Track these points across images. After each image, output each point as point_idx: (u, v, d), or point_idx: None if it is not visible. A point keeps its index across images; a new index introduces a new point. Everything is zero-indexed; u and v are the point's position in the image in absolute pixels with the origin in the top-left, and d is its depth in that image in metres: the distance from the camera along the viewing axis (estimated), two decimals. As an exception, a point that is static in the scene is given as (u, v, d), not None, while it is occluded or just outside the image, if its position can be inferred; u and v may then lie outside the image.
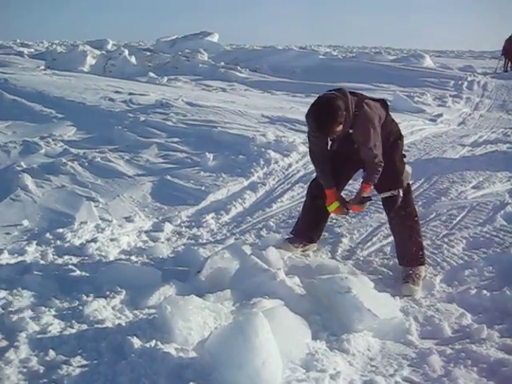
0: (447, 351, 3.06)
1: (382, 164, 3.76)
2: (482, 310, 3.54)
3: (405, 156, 4.11)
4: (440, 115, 11.94)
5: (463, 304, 3.62)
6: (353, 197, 4.08)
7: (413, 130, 9.84)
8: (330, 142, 3.90)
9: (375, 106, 3.81)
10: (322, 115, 3.55)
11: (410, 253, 4.00)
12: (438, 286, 3.91)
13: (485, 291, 3.70)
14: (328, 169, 3.99)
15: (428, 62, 23.82)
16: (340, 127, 3.58)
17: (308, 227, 4.37)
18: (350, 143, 3.79)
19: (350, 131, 3.69)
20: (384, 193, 3.94)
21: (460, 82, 17.90)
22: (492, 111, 13.50)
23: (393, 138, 3.99)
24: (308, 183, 4.53)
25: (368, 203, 3.98)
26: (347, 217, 5.06)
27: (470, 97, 15.47)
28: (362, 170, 4.08)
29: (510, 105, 14.33)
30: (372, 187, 3.90)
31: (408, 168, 4.09)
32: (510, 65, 22.80)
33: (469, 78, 18.61)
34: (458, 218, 5.13)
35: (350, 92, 3.76)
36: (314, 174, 6.47)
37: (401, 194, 3.86)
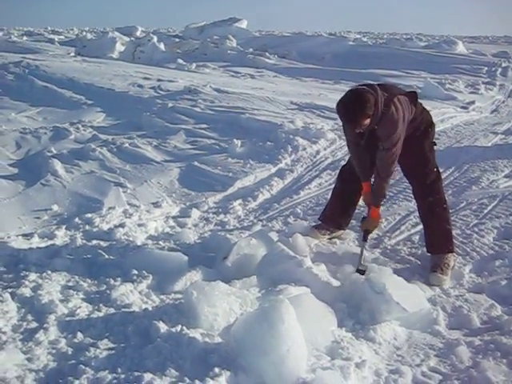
0: (475, 342, 3.01)
1: (390, 178, 3.81)
2: (512, 301, 3.47)
3: (435, 144, 4.04)
4: (472, 102, 11.74)
5: (493, 295, 3.55)
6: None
7: (443, 117, 9.68)
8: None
9: (404, 103, 3.72)
10: (350, 106, 3.52)
11: (438, 240, 3.95)
12: (467, 275, 3.84)
13: (516, 282, 3.63)
14: (363, 161, 3.93)
15: (460, 48, 23.43)
16: (367, 121, 3.54)
17: (337, 213, 4.35)
18: (373, 139, 3.76)
19: (376, 127, 3.65)
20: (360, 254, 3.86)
21: (493, 69, 17.57)
22: (526, 99, 13.22)
23: (424, 126, 3.93)
24: (339, 169, 4.50)
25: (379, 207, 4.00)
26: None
27: (503, 84, 15.18)
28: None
29: (545, 92, 14.01)
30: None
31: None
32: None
33: (503, 65, 18.26)
34: (489, 208, 5.04)
35: (381, 86, 3.72)
36: (344, 161, 6.47)
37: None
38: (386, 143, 3.66)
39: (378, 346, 2.98)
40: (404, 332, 3.13)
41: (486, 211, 4.96)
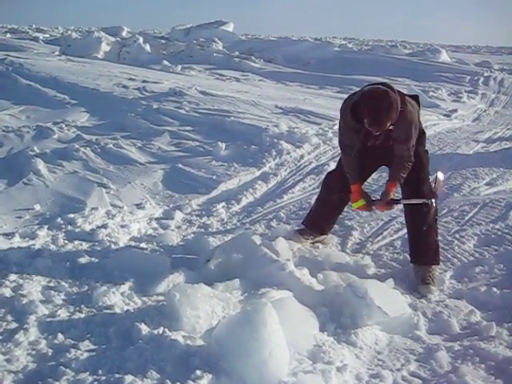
0: (455, 347, 3.04)
1: (411, 164, 3.74)
2: (491, 308, 3.52)
3: (427, 152, 4.03)
4: (454, 110, 11.88)
5: (473, 301, 3.60)
6: (377, 195, 4.01)
7: (426, 124, 9.76)
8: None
9: (415, 105, 3.73)
10: (379, 108, 3.40)
11: (427, 252, 3.90)
12: (447, 282, 3.88)
13: (495, 289, 3.68)
14: (357, 163, 3.89)
15: (444, 56, 23.70)
16: (390, 123, 3.47)
17: (320, 219, 4.33)
18: (386, 139, 3.70)
19: (391, 127, 3.54)
20: (414, 199, 3.83)
21: (476, 78, 17.79)
22: (508, 108, 13.41)
23: (419, 133, 3.88)
24: (324, 174, 4.51)
25: (395, 206, 3.91)
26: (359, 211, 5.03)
27: (485, 93, 15.37)
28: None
29: (527, 102, 14.21)
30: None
31: (440, 175, 3.93)
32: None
33: (485, 74, 18.48)
34: (470, 215, 5.10)
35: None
36: (328, 166, 6.51)
37: (433, 204, 3.78)
38: (409, 143, 3.64)
39: (360, 351, 3.00)
40: (385, 337, 3.16)
41: (467, 218, 5.02)
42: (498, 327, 3.22)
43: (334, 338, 3.06)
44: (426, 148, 4.05)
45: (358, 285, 3.29)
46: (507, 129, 10.07)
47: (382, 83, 3.63)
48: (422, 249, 3.92)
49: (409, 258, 4.05)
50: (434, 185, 3.90)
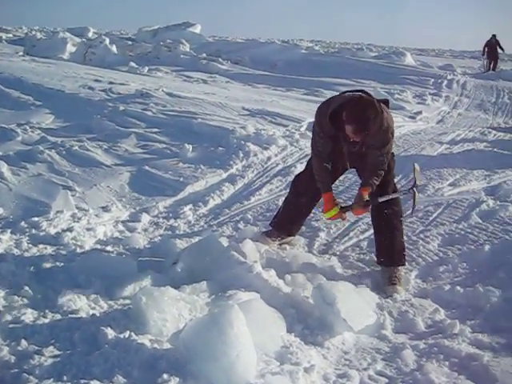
0: (420, 346, 3.10)
1: (384, 172, 3.75)
2: (455, 306, 3.59)
3: (393, 155, 4.01)
4: (419, 113, 12.05)
5: (437, 299, 3.67)
6: (349, 202, 4.00)
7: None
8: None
9: (388, 110, 3.72)
10: (367, 118, 3.41)
11: (392, 253, 3.95)
12: (413, 281, 3.94)
13: (458, 287, 3.75)
14: (329, 172, 3.87)
15: (409, 59, 24.03)
16: None
17: (288, 221, 4.33)
18: (361, 146, 3.69)
19: (366, 133, 3.52)
20: (386, 196, 3.86)
21: (440, 81, 18.10)
22: (470, 110, 13.67)
23: None
24: (291, 176, 4.52)
25: (370, 206, 3.87)
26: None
27: (449, 95, 15.65)
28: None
29: (488, 104, 14.53)
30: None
31: (417, 166, 4.00)
32: (491, 66, 23.26)
33: (448, 77, 18.83)
34: (434, 215, 5.18)
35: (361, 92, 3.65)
36: (295, 168, 6.54)
37: (416, 193, 3.88)
38: (383, 149, 3.66)
39: (327, 351, 3.02)
40: (352, 337, 3.19)
41: (431, 218, 5.10)
42: (461, 325, 3.29)
43: (301, 338, 3.07)
44: (393, 151, 4.04)
45: (327, 290, 3.29)
46: (469, 131, 10.27)
47: (361, 90, 3.64)
48: (388, 250, 3.96)
49: (375, 259, 4.11)
50: (412, 176, 4.00)
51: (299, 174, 4.37)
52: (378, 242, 4.05)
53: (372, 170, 3.75)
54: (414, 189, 3.89)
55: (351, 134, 3.48)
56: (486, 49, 23.13)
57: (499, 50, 23.21)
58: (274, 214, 4.58)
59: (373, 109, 3.43)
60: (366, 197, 3.76)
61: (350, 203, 3.96)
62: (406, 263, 4.09)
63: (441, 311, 3.50)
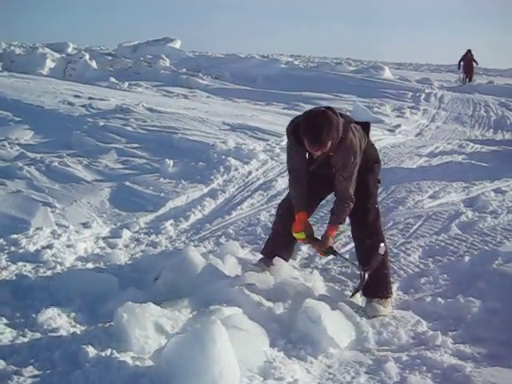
0: (403, 358, 3.10)
1: (352, 202, 3.62)
2: (436, 317, 3.61)
3: (379, 181, 3.93)
4: (398, 126, 12.17)
5: (419, 311, 3.68)
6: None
7: (371, 139, 9.98)
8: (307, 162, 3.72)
9: (359, 132, 3.62)
10: (318, 125, 3.35)
11: (374, 286, 3.75)
12: (394, 293, 3.95)
13: (439, 299, 3.78)
14: (304, 191, 3.74)
15: (387, 73, 24.32)
16: (330, 144, 3.41)
17: (278, 248, 4.12)
18: (329, 166, 3.60)
19: (331, 154, 3.50)
20: (342, 257, 3.92)
21: (418, 94, 18.33)
22: (448, 123, 13.85)
23: (371, 161, 3.81)
24: (272, 190, 4.50)
25: (331, 256, 3.80)
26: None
27: (427, 108, 15.84)
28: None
29: (465, 117, 14.74)
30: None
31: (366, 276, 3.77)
32: (467, 79, 23.69)
33: (426, 91, 19.08)
34: (415, 227, 5.23)
35: (335, 110, 3.57)
36: (276, 182, 6.56)
37: (365, 276, 3.66)
38: (344, 172, 3.54)
39: (310, 365, 3.02)
40: (335, 350, 3.18)
41: (411, 230, 5.14)
42: (443, 336, 3.31)
43: (284, 353, 3.06)
44: (379, 177, 3.93)
45: (311, 306, 3.29)
46: (448, 143, 10.41)
47: (327, 107, 3.57)
48: (371, 283, 3.75)
49: (357, 272, 4.10)
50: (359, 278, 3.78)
51: (283, 200, 4.23)
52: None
53: (338, 206, 3.66)
54: (365, 273, 3.65)
55: (309, 147, 3.44)
56: (462, 63, 23.58)
57: (474, 64, 23.65)
58: (264, 242, 4.38)
59: (326, 120, 3.37)
60: (331, 240, 3.73)
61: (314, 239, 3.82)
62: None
63: (423, 323, 3.52)
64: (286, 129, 3.73)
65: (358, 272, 3.83)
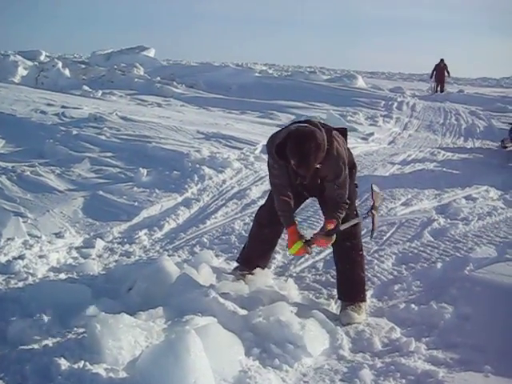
0: (377, 365, 3.13)
1: (347, 204, 3.64)
2: (410, 324, 3.64)
3: (357, 186, 3.95)
4: (371, 134, 12.29)
5: (393, 318, 3.72)
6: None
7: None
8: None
9: (341, 138, 3.63)
10: (307, 151, 3.30)
11: (351, 288, 3.80)
12: (368, 300, 3.97)
13: (413, 305, 3.82)
14: (291, 205, 3.71)
15: (360, 82, 24.54)
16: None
17: (255, 255, 4.12)
18: (313, 178, 3.60)
19: (318, 166, 3.44)
20: (347, 223, 3.72)
21: (390, 103, 18.53)
22: (420, 131, 14.03)
23: (348, 167, 3.70)
24: (246, 199, 4.50)
25: (335, 236, 3.69)
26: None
27: (399, 117, 16.02)
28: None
29: (437, 125, 14.95)
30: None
31: (375, 187, 3.95)
32: (438, 88, 24.08)
33: (398, 99, 19.29)
34: (388, 234, 5.28)
35: (314, 122, 3.56)
36: (250, 191, 6.56)
37: (375, 216, 3.80)
38: (338, 180, 3.55)
39: (285, 374, 3.02)
40: (310, 358, 3.19)
41: (385, 238, 5.19)
42: (416, 342, 3.35)
43: (259, 362, 3.06)
44: (356, 182, 3.95)
45: (285, 314, 3.31)
46: (420, 151, 10.54)
47: (308, 121, 3.57)
48: (348, 285, 3.82)
49: (331, 280, 4.13)
50: (371, 198, 3.96)
51: (261, 207, 4.21)
52: (338, 277, 3.93)
53: (334, 205, 3.64)
54: (373, 211, 3.82)
55: (297, 169, 3.42)
56: (435, 72, 23.97)
57: (446, 74, 24.04)
58: (240, 250, 4.38)
59: (313, 141, 3.32)
60: (332, 228, 3.65)
61: (313, 236, 3.76)
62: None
63: (396, 329, 3.55)
64: (267, 147, 3.69)
65: (366, 217, 3.90)
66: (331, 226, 3.64)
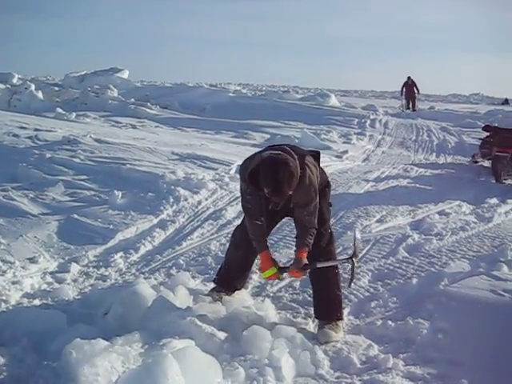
0: (356, 383, 3.14)
1: (316, 230, 3.68)
2: (387, 340, 3.67)
3: (331, 205, 4.00)
4: (345, 152, 12.40)
5: (370, 335, 3.73)
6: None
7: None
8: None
9: (313, 164, 3.66)
10: (280, 180, 3.32)
11: (327, 307, 3.82)
12: (346, 318, 3.99)
13: (390, 322, 3.85)
14: (262, 229, 3.74)
15: (333, 100, 24.81)
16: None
17: (231, 276, 4.11)
18: (286, 204, 3.62)
19: (290, 193, 3.45)
20: (325, 262, 3.76)
21: (363, 120, 18.78)
22: (393, 148, 14.23)
23: (322, 186, 3.82)
24: (222, 220, 4.49)
25: (308, 270, 3.75)
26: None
27: (372, 134, 16.24)
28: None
29: (409, 142, 15.19)
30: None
31: (358, 234, 3.95)
32: (410, 105, 24.49)
33: (371, 117, 19.57)
34: (364, 252, 5.32)
35: (286, 148, 3.57)
36: (226, 211, 6.56)
37: (355, 263, 3.75)
38: (307, 208, 3.59)
39: (264, 394, 3.00)
40: (289, 377, 3.18)
41: (360, 255, 5.21)
42: (394, 359, 3.36)
43: (237, 384, 3.04)
44: (330, 201, 4.00)
45: (265, 337, 3.31)
46: (393, 167, 10.68)
47: (281, 148, 3.56)
48: (324, 304, 3.84)
49: (308, 299, 4.13)
50: (352, 244, 3.94)
51: (237, 227, 4.21)
52: (314, 296, 3.94)
53: (303, 230, 3.68)
54: (354, 259, 3.77)
55: (270, 197, 3.44)
56: (404, 89, 24.38)
57: (415, 91, 24.45)
58: (217, 270, 4.35)
59: (286, 170, 3.34)
60: (305, 260, 3.68)
61: (289, 264, 3.85)
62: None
63: (374, 346, 3.56)
64: (240, 173, 3.72)
65: (346, 263, 3.89)
66: (303, 256, 3.67)
